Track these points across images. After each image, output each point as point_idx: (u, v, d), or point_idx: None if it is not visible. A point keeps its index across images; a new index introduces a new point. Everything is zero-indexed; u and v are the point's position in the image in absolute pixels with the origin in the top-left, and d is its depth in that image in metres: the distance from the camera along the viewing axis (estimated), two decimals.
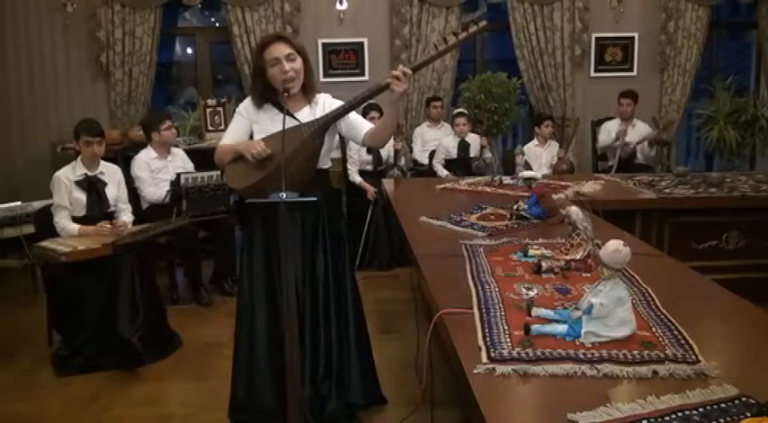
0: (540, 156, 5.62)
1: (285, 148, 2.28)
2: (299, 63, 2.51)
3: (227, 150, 2.55)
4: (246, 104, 2.64)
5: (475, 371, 1.46)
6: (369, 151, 5.33)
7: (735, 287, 1.99)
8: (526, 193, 3.32)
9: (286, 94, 2.51)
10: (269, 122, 2.54)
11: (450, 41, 2.43)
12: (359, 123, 2.62)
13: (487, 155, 5.53)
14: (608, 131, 5.79)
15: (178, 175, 4.36)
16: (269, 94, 2.56)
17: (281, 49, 2.48)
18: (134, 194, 4.42)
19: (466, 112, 5.70)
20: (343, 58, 6.22)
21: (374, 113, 5.41)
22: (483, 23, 2.43)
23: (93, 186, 3.83)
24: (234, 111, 2.73)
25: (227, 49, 6.14)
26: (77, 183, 3.78)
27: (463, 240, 2.57)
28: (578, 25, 6.26)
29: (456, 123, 5.63)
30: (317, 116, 2.55)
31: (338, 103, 2.57)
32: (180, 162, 4.68)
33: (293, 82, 2.50)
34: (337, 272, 2.69)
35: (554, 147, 5.71)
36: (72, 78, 5.95)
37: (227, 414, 2.77)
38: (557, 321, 1.66)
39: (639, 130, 5.72)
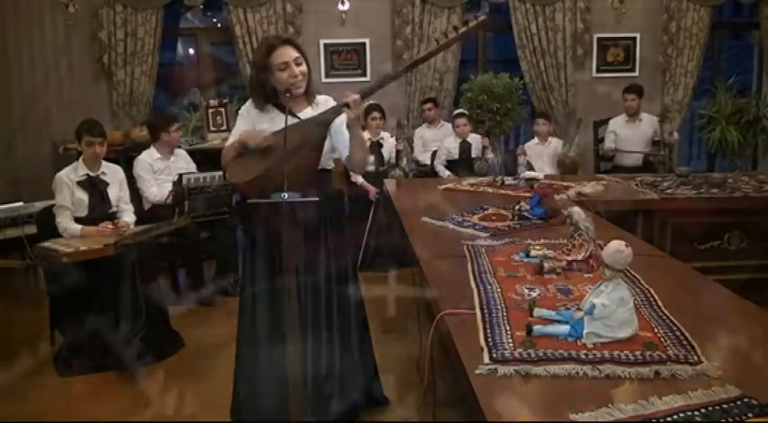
0: (541, 154, 5.61)
1: (287, 143, 2.28)
2: (305, 66, 2.54)
3: (229, 147, 2.56)
4: (248, 106, 2.65)
5: (477, 371, 1.45)
6: (371, 151, 5.32)
7: (737, 288, 1.98)
8: (528, 194, 3.32)
9: (288, 95, 2.51)
10: (271, 124, 2.54)
11: (417, 59, 2.54)
12: (346, 144, 2.58)
13: (489, 155, 5.53)
14: (613, 131, 5.77)
15: (180, 175, 4.36)
16: (272, 96, 2.57)
17: (290, 53, 2.50)
18: (136, 195, 4.43)
19: (466, 112, 5.70)
20: (345, 59, 6.22)
21: (376, 113, 5.42)
22: (463, 30, 2.47)
23: (95, 187, 3.83)
24: (236, 111, 2.73)
25: (230, 49, 6.15)
26: (79, 183, 3.78)
27: (465, 241, 2.57)
28: (580, 26, 6.26)
29: (456, 124, 5.62)
30: None
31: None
32: (183, 163, 4.69)
33: (301, 84, 2.52)
34: (339, 272, 2.69)
35: (555, 144, 5.69)
36: (74, 79, 5.96)
37: (228, 414, 2.77)
38: (558, 322, 1.65)
39: (649, 125, 5.70)
